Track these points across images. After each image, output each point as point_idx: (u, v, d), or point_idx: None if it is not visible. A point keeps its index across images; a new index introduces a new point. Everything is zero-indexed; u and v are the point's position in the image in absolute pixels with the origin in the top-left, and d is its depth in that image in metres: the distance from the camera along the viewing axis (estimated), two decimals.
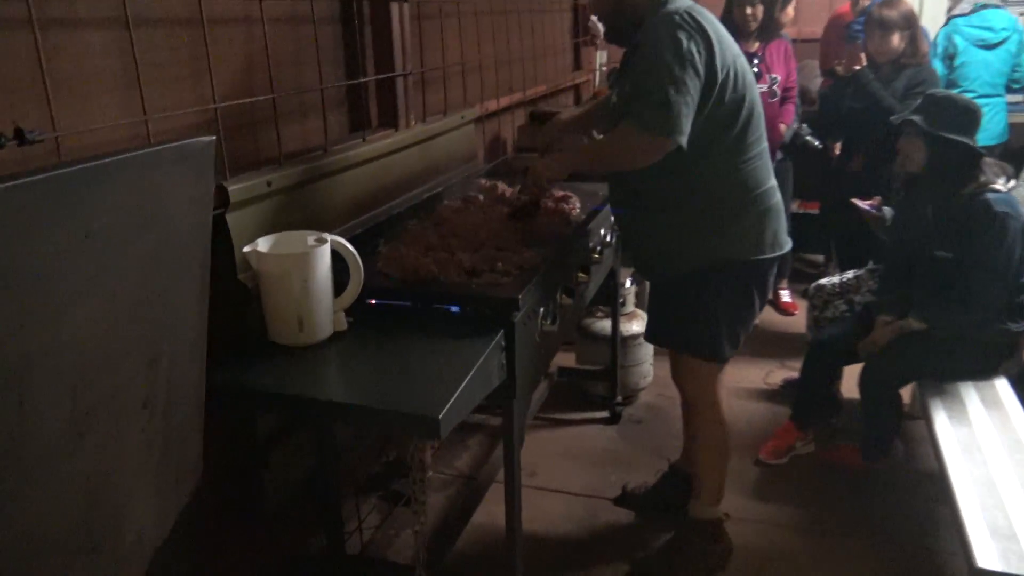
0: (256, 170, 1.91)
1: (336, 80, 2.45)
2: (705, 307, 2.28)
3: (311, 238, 1.81)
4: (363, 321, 1.88)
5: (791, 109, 4.05)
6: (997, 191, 2.60)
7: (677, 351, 2.44)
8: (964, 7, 4.36)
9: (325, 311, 1.78)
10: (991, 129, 4.11)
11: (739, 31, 3.63)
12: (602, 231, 2.66)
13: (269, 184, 1.90)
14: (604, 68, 4.98)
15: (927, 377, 2.72)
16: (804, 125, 4.10)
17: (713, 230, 2.22)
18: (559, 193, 2.57)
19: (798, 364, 3.69)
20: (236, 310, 1.83)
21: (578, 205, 2.58)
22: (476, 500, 2.70)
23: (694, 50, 2.01)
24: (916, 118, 2.66)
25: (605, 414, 3.41)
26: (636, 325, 3.43)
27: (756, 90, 2.21)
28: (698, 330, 2.31)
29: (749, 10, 3.70)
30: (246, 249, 1.73)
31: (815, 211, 5.09)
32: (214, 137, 1.30)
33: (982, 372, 2.71)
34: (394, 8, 2.49)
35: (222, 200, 1.77)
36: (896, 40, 3.54)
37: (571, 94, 4.99)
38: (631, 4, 2.19)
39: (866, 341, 2.80)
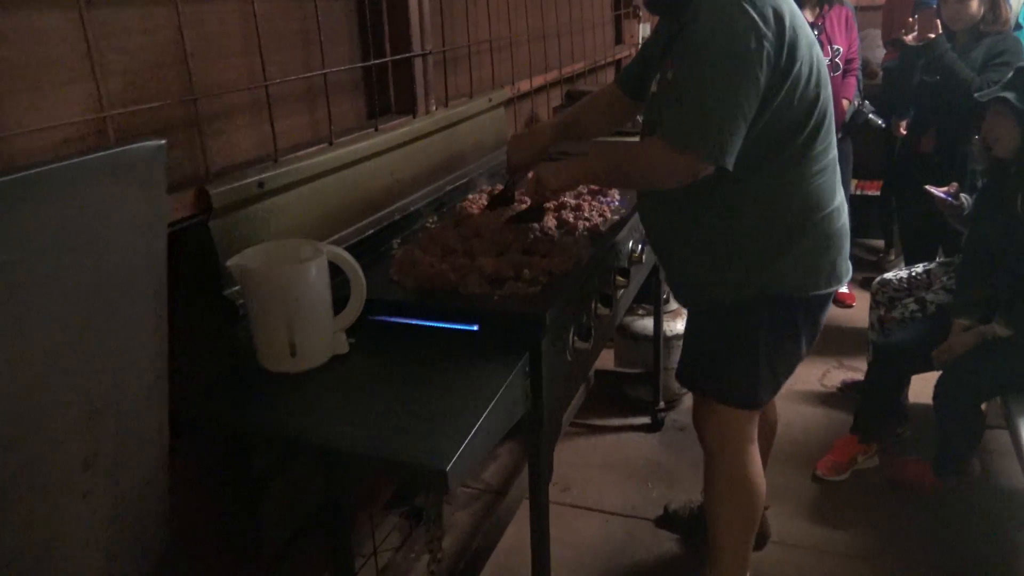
0: (246, 169, 1.67)
1: (350, 62, 2.21)
2: (746, 345, 1.90)
3: (305, 248, 1.58)
4: (367, 341, 1.65)
5: (852, 83, 3.72)
6: None
7: (708, 397, 2.03)
8: None
9: (321, 333, 1.55)
10: None
11: None
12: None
13: (261, 185, 1.66)
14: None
15: (1013, 391, 2.41)
16: (866, 102, 3.76)
17: (763, 256, 1.82)
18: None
19: (858, 364, 3.42)
20: (222, 331, 1.61)
21: (617, 198, 2.31)
22: (505, 520, 2.48)
23: (759, 44, 1.59)
24: (1009, 95, 2.33)
25: (646, 420, 3.15)
26: (680, 323, 3.15)
27: (829, 90, 1.79)
28: (735, 371, 1.94)
29: None
30: (230, 263, 1.50)
31: (875, 192, 4.75)
32: (164, 141, 1.07)
33: None
34: None
35: (204, 206, 1.54)
36: (975, 5, 3.18)
37: (612, 70, 4.68)
38: None
39: (942, 348, 2.49)
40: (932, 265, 3.05)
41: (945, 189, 2.90)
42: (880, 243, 4.83)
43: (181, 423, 1.42)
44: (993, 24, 3.21)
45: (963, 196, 2.86)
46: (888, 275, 3.08)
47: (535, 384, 1.63)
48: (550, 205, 2.14)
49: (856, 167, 4.08)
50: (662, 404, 3.12)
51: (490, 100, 2.75)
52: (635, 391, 3.24)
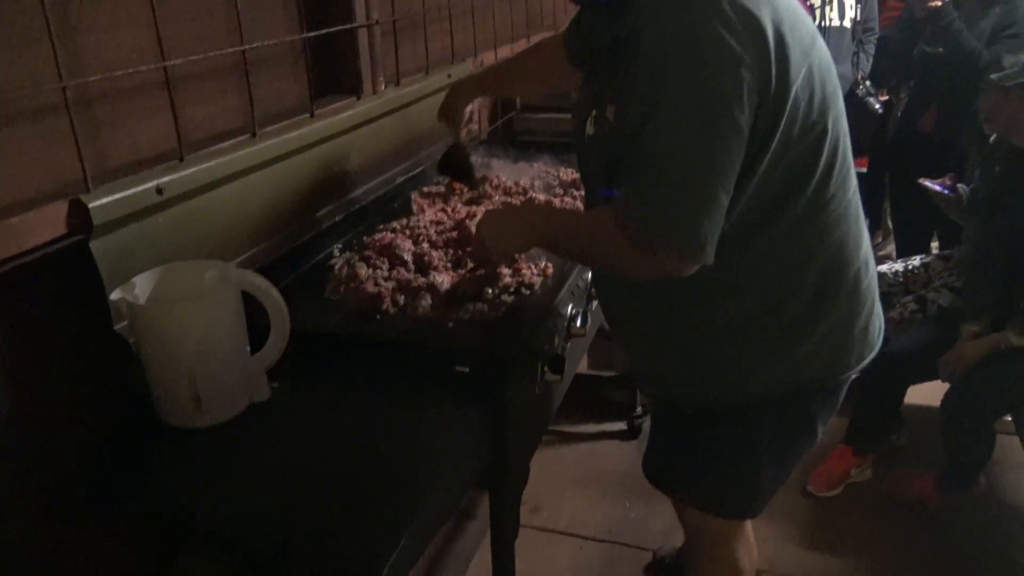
0: (141, 172, 1.36)
1: (287, 32, 1.87)
2: (742, 458, 1.45)
3: (212, 271, 1.28)
4: (295, 382, 1.36)
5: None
6: None
7: (687, 504, 1.65)
8: None
9: (234, 378, 1.26)
10: None
11: None
12: None
13: (160, 191, 1.35)
14: None
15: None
16: (867, 81, 3.47)
17: (770, 346, 1.34)
18: None
19: None
20: (112, 376, 1.31)
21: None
22: (471, 550, 2.23)
23: (735, 76, 1.09)
24: None
25: (623, 426, 2.90)
26: None
27: (841, 103, 1.28)
28: (725, 484, 1.51)
29: None
30: (114, 296, 1.20)
31: (862, 169, 4.51)
32: None
33: None
34: None
35: (82, 222, 1.23)
36: None
37: None
38: None
39: (948, 358, 2.25)
40: (929, 258, 2.81)
41: (941, 180, 2.65)
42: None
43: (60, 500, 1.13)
44: None
45: (960, 187, 2.61)
46: (882, 267, 2.83)
47: (498, 430, 1.36)
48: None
49: None
50: (639, 410, 2.87)
51: (449, 76, 2.43)
52: (611, 395, 2.99)
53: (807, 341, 1.34)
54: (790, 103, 1.15)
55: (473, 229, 1.61)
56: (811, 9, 3.38)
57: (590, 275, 1.72)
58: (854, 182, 1.35)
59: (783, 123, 1.16)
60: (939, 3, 2.91)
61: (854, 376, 1.42)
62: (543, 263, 1.64)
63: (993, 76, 2.24)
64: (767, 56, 1.11)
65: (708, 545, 1.68)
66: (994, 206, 2.31)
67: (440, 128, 1.95)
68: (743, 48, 1.09)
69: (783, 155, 1.19)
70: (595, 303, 1.84)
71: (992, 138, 2.47)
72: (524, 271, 1.58)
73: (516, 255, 1.57)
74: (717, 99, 1.09)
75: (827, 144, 1.24)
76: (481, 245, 1.45)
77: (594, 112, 1.29)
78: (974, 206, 2.59)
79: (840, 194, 1.30)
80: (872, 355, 1.42)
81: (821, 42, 1.25)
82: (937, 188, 2.65)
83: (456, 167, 1.92)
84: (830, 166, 1.26)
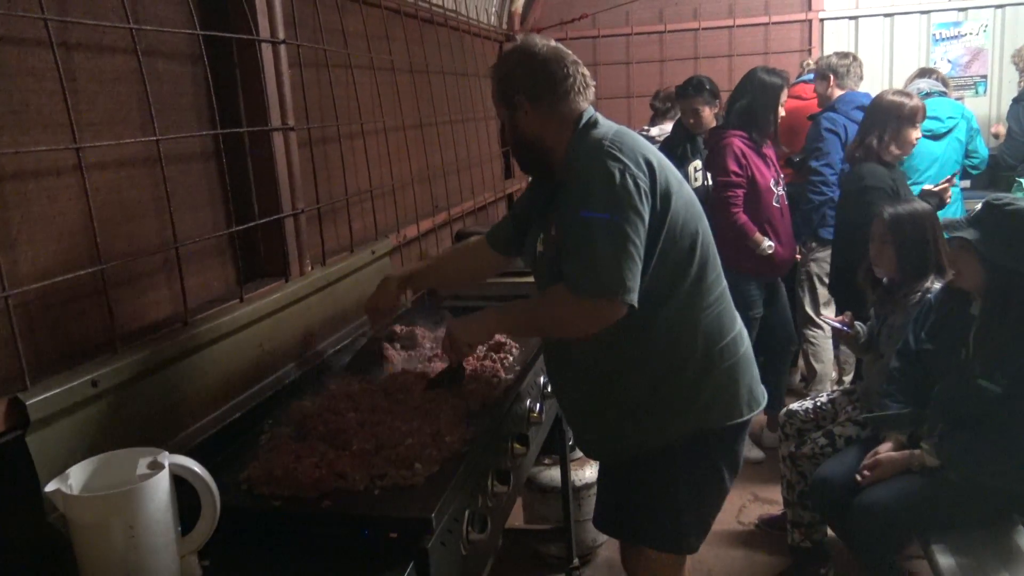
0: (75, 368, 1.44)
1: (215, 228, 2.02)
2: (666, 493, 1.85)
3: (144, 460, 1.35)
4: (225, 560, 1.41)
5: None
6: None
7: (632, 543, 2.00)
8: None
9: (165, 563, 1.30)
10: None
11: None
12: (541, 380, 2.24)
13: (95, 384, 1.43)
14: None
15: (934, 529, 2.29)
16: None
17: (678, 399, 1.81)
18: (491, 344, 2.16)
19: (773, 496, 3.31)
20: (45, 569, 1.34)
21: (511, 355, 2.16)
22: None
23: (634, 181, 1.64)
24: (970, 234, 2.18)
25: None
26: (590, 471, 2.98)
27: (706, 222, 1.84)
28: (658, 520, 1.88)
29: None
30: (49, 488, 1.25)
31: None
32: None
33: (997, 521, 2.29)
34: (277, 138, 2.09)
35: (20, 419, 1.30)
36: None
37: (503, 205, 4.65)
38: (535, 134, 1.79)
39: (869, 462, 2.36)
40: (835, 394, 3.01)
41: (840, 318, 2.88)
42: None
43: None
44: None
45: (858, 325, 2.84)
46: (794, 406, 3.01)
47: None
48: (468, 366, 2.01)
49: None
50: (576, 561, 2.90)
51: (373, 252, 2.61)
52: (547, 548, 3.02)
53: (703, 392, 1.79)
54: (671, 209, 1.70)
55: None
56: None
57: (512, 430, 1.87)
58: (724, 282, 1.87)
59: (668, 219, 1.69)
60: None
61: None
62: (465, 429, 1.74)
63: (947, 234, 2.34)
64: (654, 175, 1.68)
65: None
66: (928, 324, 2.48)
67: (364, 300, 2.10)
68: (638, 169, 1.66)
69: (671, 248, 1.71)
70: (519, 459, 1.94)
71: (885, 280, 2.74)
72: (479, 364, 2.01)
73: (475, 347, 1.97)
74: (623, 192, 1.62)
75: (700, 243, 1.77)
76: (449, 339, 1.83)
77: (541, 235, 1.83)
78: (869, 344, 2.82)
79: (715, 287, 1.81)
80: (758, 411, 1.88)
81: (687, 184, 1.82)
82: (836, 325, 2.87)
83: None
84: (704, 259, 1.78)
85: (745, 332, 1.93)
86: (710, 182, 3.79)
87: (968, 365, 2.25)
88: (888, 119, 3.24)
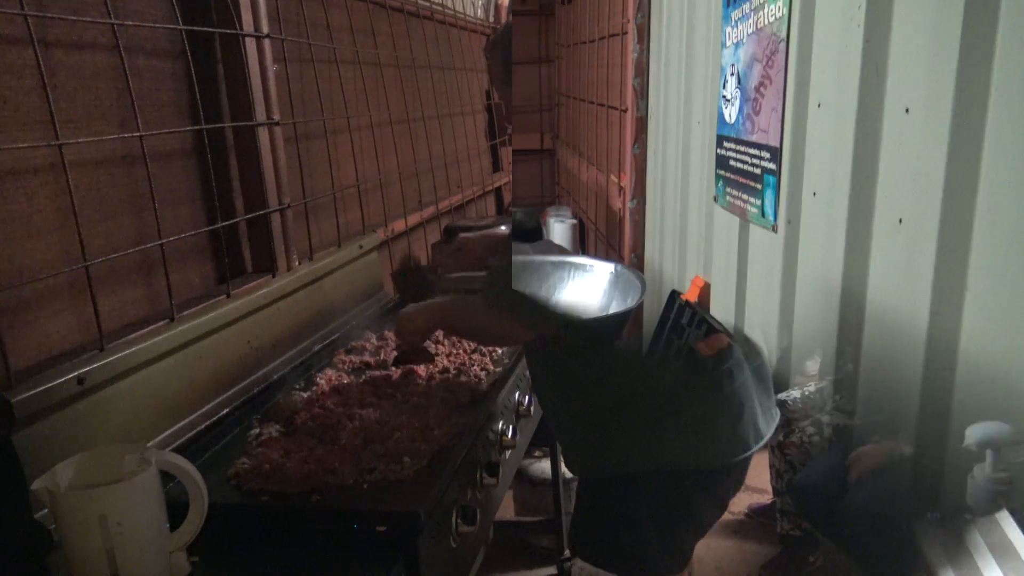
0: (62, 364, 1.44)
1: (199, 224, 2.01)
2: (631, 516, 1.85)
3: (131, 457, 1.34)
4: (215, 555, 1.41)
5: None
6: None
7: (605, 569, 2.01)
8: None
9: (153, 558, 1.30)
10: None
11: None
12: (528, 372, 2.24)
13: (81, 381, 1.43)
14: None
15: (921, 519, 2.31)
16: None
17: (650, 423, 1.82)
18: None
19: (761, 484, 3.33)
20: (33, 565, 1.34)
21: (498, 350, 2.17)
22: None
23: None
24: None
25: (553, 572, 2.93)
26: None
27: None
28: (626, 548, 1.88)
29: None
30: (36, 485, 1.25)
31: None
32: None
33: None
34: (262, 133, 2.09)
35: (5, 417, 1.30)
36: None
37: (492, 198, 4.65)
38: None
39: (853, 456, 2.38)
40: (824, 384, 3.02)
41: None
42: None
43: None
44: None
45: None
46: (781, 395, 3.02)
47: None
48: (436, 350, 2.07)
49: None
50: (567, 553, 2.91)
51: (360, 247, 2.60)
52: (539, 540, 3.03)
53: (672, 428, 1.75)
54: None
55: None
56: None
57: (500, 423, 1.87)
58: None
59: None
60: None
61: None
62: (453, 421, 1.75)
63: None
64: None
65: None
66: None
67: (353, 295, 2.10)
68: None
69: None
70: (508, 452, 1.95)
71: None
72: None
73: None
74: None
75: None
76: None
77: None
78: None
79: None
80: (744, 455, 1.81)
81: None
82: None
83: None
84: None
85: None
86: None
87: None
88: None
